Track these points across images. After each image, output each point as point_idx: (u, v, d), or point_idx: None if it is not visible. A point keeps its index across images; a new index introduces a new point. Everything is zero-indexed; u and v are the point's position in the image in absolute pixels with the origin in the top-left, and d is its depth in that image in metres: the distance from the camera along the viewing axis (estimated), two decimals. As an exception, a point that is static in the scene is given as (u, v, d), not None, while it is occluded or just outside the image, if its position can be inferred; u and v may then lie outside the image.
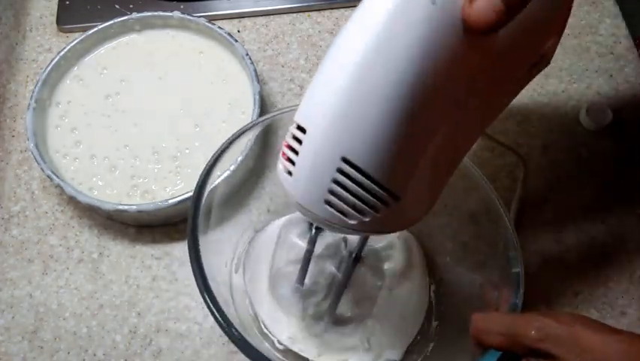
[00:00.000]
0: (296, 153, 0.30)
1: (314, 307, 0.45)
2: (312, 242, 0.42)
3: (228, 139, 0.43)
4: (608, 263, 0.53)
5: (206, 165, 0.41)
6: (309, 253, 0.43)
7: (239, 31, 0.64)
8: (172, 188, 0.53)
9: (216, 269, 0.41)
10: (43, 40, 0.64)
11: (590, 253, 0.53)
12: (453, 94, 0.29)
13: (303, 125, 0.30)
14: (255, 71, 0.55)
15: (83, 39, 0.57)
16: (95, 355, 0.48)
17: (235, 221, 0.49)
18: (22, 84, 0.61)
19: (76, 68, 0.58)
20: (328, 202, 0.30)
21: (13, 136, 0.58)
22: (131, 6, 0.64)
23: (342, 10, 0.66)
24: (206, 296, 0.36)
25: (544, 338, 0.32)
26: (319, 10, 0.66)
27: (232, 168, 0.48)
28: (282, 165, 0.31)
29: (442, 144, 0.31)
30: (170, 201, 0.49)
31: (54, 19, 0.65)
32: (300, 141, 0.30)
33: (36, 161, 0.51)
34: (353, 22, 0.29)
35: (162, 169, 0.54)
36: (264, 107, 0.57)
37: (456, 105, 0.30)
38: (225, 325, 0.35)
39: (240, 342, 0.35)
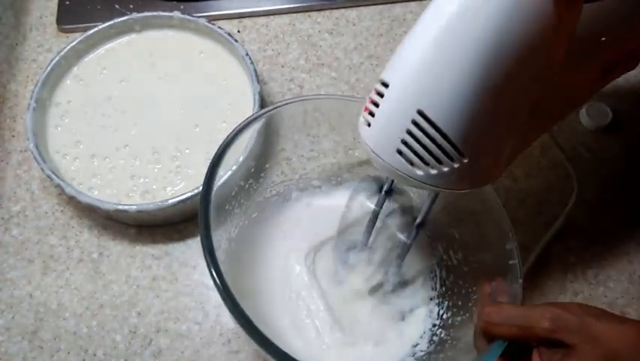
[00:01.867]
0: (377, 105, 0.33)
1: (376, 267, 0.46)
2: (380, 204, 0.44)
3: (237, 127, 0.44)
4: (608, 263, 0.53)
5: (215, 154, 0.41)
6: (376, 213, 0.45)
7: (239, 31, 0.64)
8: (172, 188, 0.53)
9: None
10: (43, 40, 0.64)
11: (590, 252, 0.53)
12: (532, 68, 0.31)
13: (386, 79, 0.32)
14: (255, 71, 0.55)
15: (83, 39, 0.57)
16: (95, 355, 0.48)
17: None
18: (22, 84, 0.61)
19: (76, 68, 0.58)
20: (400, 151, 0.33)
21: (13, 136, 0.58)
22: (131, 6, 0.64)
23: (342, 10, 0.66)
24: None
25: (557, 329, 0.33)
26: (319, 10, 0.66)
27: (240, 159, 0.48)
28: (362, 118, 0.34)
29: (513, 118, 0.33)
30: (170, 201, 0.49)
31: (54, 19, 0.65)
32: (382, 96, 0.33)
33: (36, 161, 0.51)
34: None
35: (162, 169, 0.54)
36: (264, 107, 0.57)
37: (533, 80, 0.32)
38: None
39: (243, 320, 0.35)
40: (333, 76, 0.62)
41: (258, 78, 0.55)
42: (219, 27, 0.58)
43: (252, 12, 0.65)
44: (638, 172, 0.57)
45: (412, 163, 0.33)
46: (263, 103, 0.56)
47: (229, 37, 0.57)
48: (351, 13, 0.66)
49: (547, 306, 0.35)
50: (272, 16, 0.65)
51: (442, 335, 0.45)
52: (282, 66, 0.62)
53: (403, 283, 0.48)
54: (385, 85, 0.32)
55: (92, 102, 0.57)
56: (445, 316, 0.46)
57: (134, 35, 0.60)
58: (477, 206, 0.45)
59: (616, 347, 0.32)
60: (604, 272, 0.52)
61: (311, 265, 0.48)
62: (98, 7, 0.65)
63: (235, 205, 0.47)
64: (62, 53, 0.56)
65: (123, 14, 0.59)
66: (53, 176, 0.50)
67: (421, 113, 0.31)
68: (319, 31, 0.65)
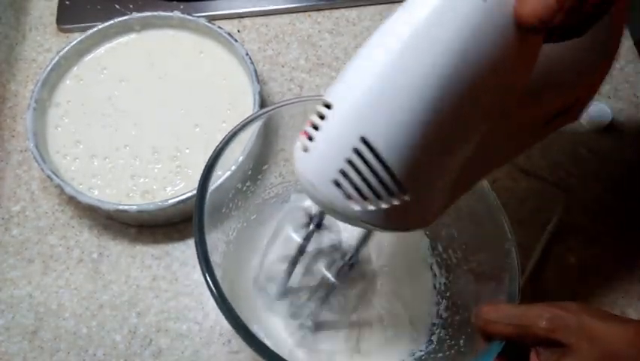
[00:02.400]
0: (316, 129, 0.30)
1: (296, 307, 0.45)
2: (308, 238, 0.42)
3: (234, 128, 0.43)
4: (608, 263, 0.53)
5: (211, 156, 0.41)
6: (302, 248, 0.42)
7: (239, 31, 0.64)
8: (172, 188, 0.53)
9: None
10: (43, 40, 0.64)
11: (590, 252, 0.53)
12: (486, 101, 0.29)
13: (329, 101, 0.30)
14: (255, 71, 0.55)
15: (83, 39, 0.57)
16: (95, 355, 0.48)
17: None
18: (22, 84, 0.61)
19: (76, 68, 0.58)
20: (337, 183, 0.30)
21: (13, 136, 0.58)
22: (131, 6, 0.64)
23: (343, 10, 0.66)
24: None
25: (554, 329, 0.33)
26: (319, 10, 0.66)
27: (240, 159, 0.48)
28: (299, 142, 0.31)
29: (462, 158, 0.31)
30: (170, 201, 0.49)
31: (54, 19, 0.65)
32: (323, 118, 0.30)
33: (36, 161, 0.51)
34: (401, 8, 0.28)
35: (162, 169, 0.54)
36: (263, 107, 0.57)
37: (485, 116, 0.30)
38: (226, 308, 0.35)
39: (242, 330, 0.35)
40: (333, 76, 0.62)
41: (258, 78, 0.55)
42: (219, 27, 0.58)
43: (252, 12, 0.65)
44: (637, 172, 0.57)
45: (349, 197, 0.30)
46: (263, 103, 0.56)
47: (229, 37, 0.57)
48: (351, 13, 0.66)
49: (545, 305, 0.34)
50: (272, 16, 0.65)
51: (442, 335, 0.45)
52: (282, 66, 0.62)
53: (326, 325, 0.46)
54: (328, 106, 0.29)
55: (92, 102, 0.57)
56: (444, 315, 0.46)
57: (133, 35, 0.60)
58: (476, 206, 0.45)
59: (614, 347, 0.32)
60: (604, 272, 0.52)
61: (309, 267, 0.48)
62: (98, 7, 0.65)
63: (232, 208, 0.46)
64: (62, 53, 0.56)
65: (123, 14, 0.59)
66: (53, 176, 0.50)
67: (364, 140, 0.28)
68: (319, 31, 0.65)
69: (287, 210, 0.47)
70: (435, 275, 0.49)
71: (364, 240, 0.40)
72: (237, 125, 0.44)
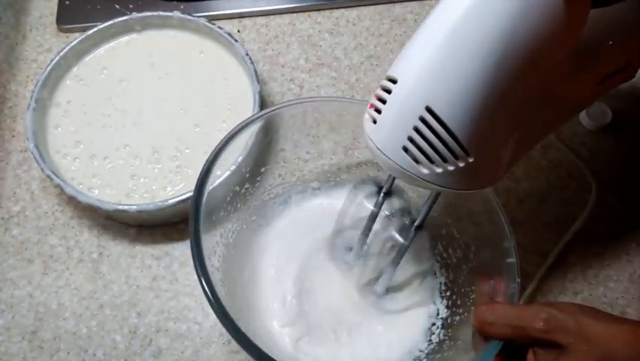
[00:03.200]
0: (383, 102, 0.33)
1: (371, 271, 0.46)
2: (379, 205, 0.44)
3: (233, 129, 0.43)
4: (608, 263, 0.53)
5: (209, 156, 0.41)
6: (374, 215, 0.45)
7: (239, 31, 0.64)
8: (172, 188, 0.53)
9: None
10: (43, 40, 0.64)
11: (590, 252, 0.53)
12: (540, 67, 0.31)
13: (394, 76, 0.32)
14: (255, 71, 0.55)
15: (83, 39, 0.57)
16: (94, 355, 0.48)
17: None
18: (22, 84, 0.61)
19: (76, 68, 0.58)
20: (406, 149, 0.33)
21: (13, 136, 0.58)
22: (131, 6, 0.64)
23: (342, 10, 0.66)
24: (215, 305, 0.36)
25: (551, 329, 0.33)
26: (319, 10, 0.66)
27: (239, 159, 0.48)
28: (368, 114, 0.34)
29: (519, 118, 0.33)
30: (170, 201, 0.49)
31: (54, 19, 0.65)
32: (389, 92, 0.32)
33: (36, 161, 0.51)
34: None
35: (162, 169, 0.54)
36: (263, 107, 0.57)
37: (540, 80, 0.32)
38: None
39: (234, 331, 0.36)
40: (333, 76, 0.62)
41: (258, 78, 0.55)
42: (219, 27, 0.58)
43: (252, 12, 0.65)
44: (638, 172, 0.57)
45: (417, 161, 0.33)
46: (263, 103, 0.56)
47: (229, 37, 0.57)
48: (351, 13, 0.66)
49: (542, 306, 0.34)
50: (272, 16, 0.65)
51: (441, 335, 0.45)
52: (282, 66, 0.62)
53: (398, 286, 0.48)
54: (393, 81, 0.32)
55: (92, 102, 0.57)
56: (443, 315, 0.46)
57: (134, 35, 0.60)
58: (476, 206, 0.45)
59: (612, 348, 0.32)
60: (604, 272, 0.52)
61: (307, 268, 0.48)
62: (98, 7, 0.65)
63: (231, 210, 0.46)
64: (62, 53, 0.56)
65: (123, 14, 0.59)
66: (53, 176, 0.50)
67: (429, 109, 0.31)
68: (319, 31, 0.65)
69: (357, 180, 0.49)
70: (435, 275, 0.49)
71: (432, 203, 0.42)
72: (237, 126, 0.44)
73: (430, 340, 0.46)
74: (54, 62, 0.56)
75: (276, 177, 0.52)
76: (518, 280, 0.40)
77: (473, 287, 0.44)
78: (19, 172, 0.56)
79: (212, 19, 0.59)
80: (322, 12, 0.66)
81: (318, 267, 0.48)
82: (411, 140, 0.32)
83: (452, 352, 0.43)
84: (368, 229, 0.46)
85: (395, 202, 0.46)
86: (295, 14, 0.66)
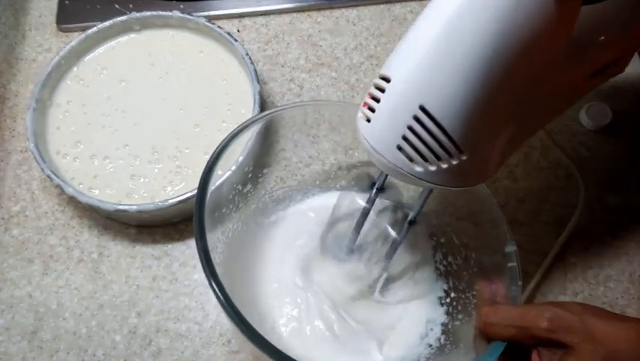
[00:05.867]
0: (377, 101, 0.33)
1: (364, 264, 0.46)
2: (371, 201, 0.44)
3: (233, 131, 0.43)
4: (608, 263, 0.53)
5: (210, 158, 0.41)
6: (366, 210, 0.44)
7: (239, 31, 0.64)
8: (172, 188, 0.53)
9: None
10: (43, 40, 0.64)
11: (590, 252, 0.53)
12: (532, 65, 0.31)
13: (387, 74, 0.32)
14: (255, 71, 0.55)
15: (83, 39, 0.57)
16: (94, 355, 0.48)
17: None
18: (22, 84, 0.61)
19: (76, 68, 0.58)
20: (400, 147, 0.33)
21: (13, 136, 0.58)
22: (130, 6, 0.64)
23: (342, 10, 0.66)
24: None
25: (556, 329, 0.33)
26: (319, 10, 0.66)
27: (240, 159, 0.48)
28: (361, 113, 0.34)
29: (512, 114, 0.33)
30: (170, 201, 0.49)
31: (54, 19, 0.65)
32: (382, 91, 0.32)
33: (36, 161, 0.51)
34: None
35: (162, 169, 0.54)
36: (263, 107, 0.57)
37: (532, 77, 0.32)
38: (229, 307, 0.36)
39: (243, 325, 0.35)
40: (333, 76, 0.62)
41: (258, 78, 0.54)
42: (219, 27, 0.58)
43: (252, 12, 0.65)
44: (638, 172, 0.57)
45: (411, 160, 0.33)
46: (263, 103, 0.56)
47: (229, 37, 0.57)
48: (351, 13, 0.66)
49: (546, 305, 0.34)
50: (272, 16, 0.65)
51: (442, 338, 0.45)
52: (282, 66, 0.62)
53: (392, 280, 0.48)
54: (387, 80, 0.32)
55: (92, 102, 0.57)
56: (445, 319, 0.46)
57: (133, 35, 0.60)
58: (476, 206, 0.45)
59: (617, 347, 0.32)
60: (604, 272, 0.52)
61: (307, 268, 0.48)
62: (98, 6, 0.65)
63: (233, 209, 0.46)
64: (62, 53, 0.56)
65: (123, 14, 0.59)
66: (53, 176, 0.50)
67: (422, 108, 0.31)
68: (319, 31, 0.65)
69: (352, 175, 0.50)
70: (436, 278, 0.49)
71: (426, 198, 0.42)
72: (237, 127, 0.44)
73: (431, 343, 0.45)
74: (54, 61, 0.56)
75: (277, 177, 0.52)
76: (520, 283, 0.39)
77: (474, 292, 0.44)
78: (19, 172, 0.56)
79: (212, 18, 0.59)
80: (322, 12, 0.66)
81: (317, 266, 0.48)
82: (405, 139, 0.32)
83: (453, 354, 0.42)
84: (360, 224, 0.46)
85: (388, 198, 0.46)
86: (295, 14, 0.66)
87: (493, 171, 0.36)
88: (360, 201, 0.46)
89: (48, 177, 0.50)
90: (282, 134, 0.51)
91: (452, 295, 0.47)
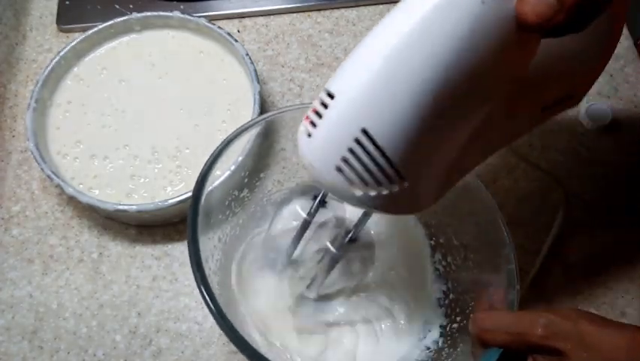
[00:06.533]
0: (320, 116, 0.31)
1: (300, 277, 0.45)
2: (312, 214, 0.43)
3: (228, 137, 0.43)
4: (608, 263, 0.53)
5: (207, 161, 0.41)
6: (306, 223, 0.43)
7: (239, 31, 0.64)
8: (172, 188, 0.53)
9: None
10: (43, 40, 0.64)
11: (590, 252, 0.53)
12: (483, 94, 0.30)
13: (332, 91, 0.30)
14: (255, 71, 0.55)
15: (83, 39, 0.57)
16: (94, 355, 0.48)
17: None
18: (22, 84, 0.61)
19: (76, 68, 0.58)
20: (339, 169, 0.31)
21: (13, 136, 0.58)
22: (131, 6, 0.64)
23: (342, 10, 0.66)
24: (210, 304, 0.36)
25: (550, 336, 0.32)
26: (319, 10, 0.66)
27: (239, 159, 0.48)
28: (303, 127, 0.32)
29: (459, 145, 0.32)
30: (170, 201, 0.49)
31: (54, 19, 0.65)
32: (326, 107, 0.31)
33: (36, 161, 0.51)
34: (399, 7, 0.29)
35: (162, 169, 0.54)
36: (264, 107, 0.57)
37: (481, 109, 0.31)
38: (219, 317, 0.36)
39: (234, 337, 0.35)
40: (333, 76, 0.62)
41: (258, 78, 0.54)
42: (219, 27, 0.58)
43: (252, 12, 0.65)
44: (638, 172, 0.57)
45: (351, 182, 0.31)
46: (263, 103, 0.56)
47: (229, 37, 0.57)
48: (351, 13, 0.66)
49: (541, 312, 0.34)
50: (272, 16, 0.65)
51: (440, 343, 0.45)
52: (282, 66, 0.62)
53: (332, 295, 0.47)
54: (331, 96, 0.30)
55: (92, 102, 0.57)
56: (442, 323, 0.46)
57: (134, 35, 0.60)
58: (476, 206, 0.45)
59: (612, 355, 0.31)
60: (604, 272, 0.52)
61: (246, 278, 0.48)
62: (98, 7, 0.65)
63: (229, 215, 0.46)
64: (62, 53, 0.56)
65: (123, 14, 0.59)
66: (53, 176, 0.50)
67: (365, 131, 0.29)
68: (319, 31, 0.65)
69: (294, 187, 0.48)
70: (434, 281, 0.49)
71: (365, 217, 0.41)
72: (236, 130, 0.43)
73: (429, 348, 0.45)
74: (54, 62, 0.56)
75: (274, 180, 0.51)
76: (517, 287, 0.39)
77: (472, 295, 0.43)
78: (19, 172, 0.56)
79: (212, 19, 0.59)
80: (322, 12, 0.66)
81: (258, 275, 0.48)
82: (345, 160, 0.30)
83: (451, 359, 0.42)
84: (299, 237, 0.44)
85: (330, 212, 0.45)
86: (295, 14, 0.66)
87: (434, 199, 0.34)
88: (302, 212, 0.44)
89: (48, 177, 0.50)
90: (283, 134, 0.50)
91: (451, 296, 0.46)
